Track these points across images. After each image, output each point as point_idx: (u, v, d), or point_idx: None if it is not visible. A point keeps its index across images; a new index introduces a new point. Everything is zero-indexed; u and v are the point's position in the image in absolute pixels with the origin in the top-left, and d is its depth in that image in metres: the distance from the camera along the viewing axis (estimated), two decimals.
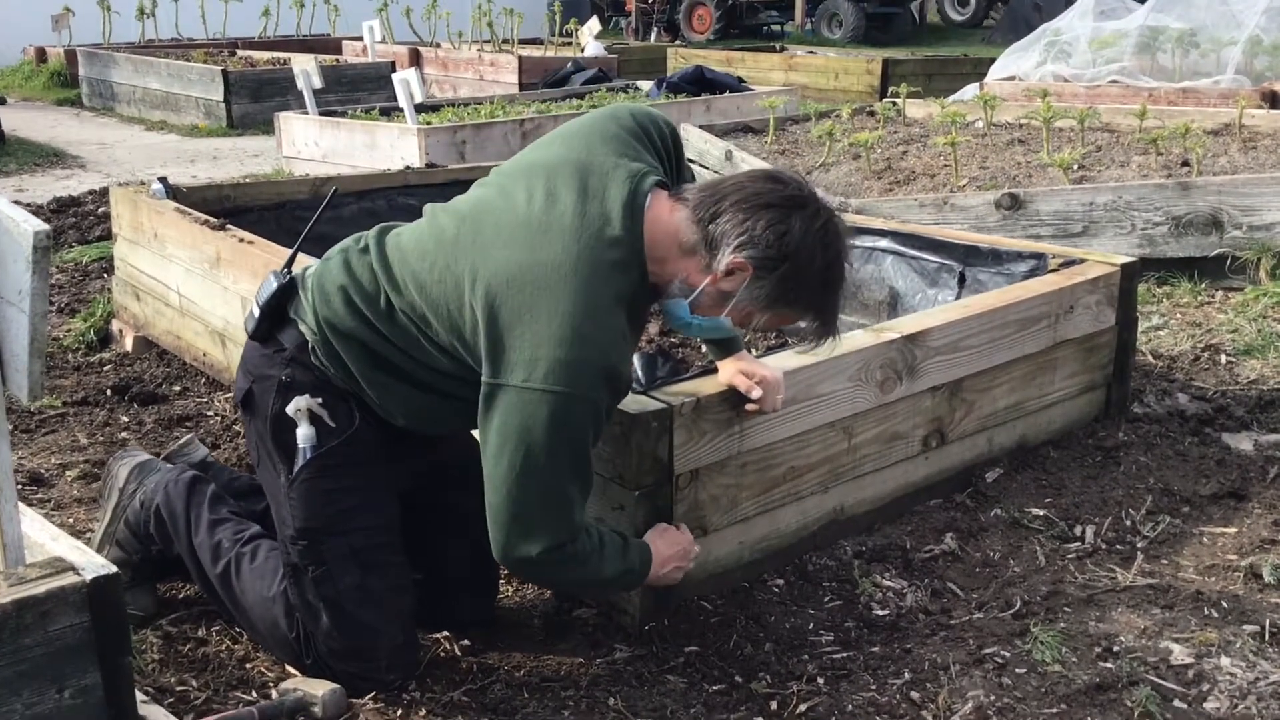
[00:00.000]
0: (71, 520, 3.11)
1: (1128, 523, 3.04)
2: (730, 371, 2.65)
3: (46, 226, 1.63)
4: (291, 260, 2.49)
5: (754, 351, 3.02)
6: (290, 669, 2.47)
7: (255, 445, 2.47)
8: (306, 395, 2.34)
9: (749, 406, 2.64)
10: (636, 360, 2.79)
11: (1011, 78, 9.17)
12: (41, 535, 1.94)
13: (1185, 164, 5.53)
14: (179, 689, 2.35)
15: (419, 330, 2.29)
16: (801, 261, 2.18)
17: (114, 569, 1.84)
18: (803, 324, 2.34)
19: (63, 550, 1.88)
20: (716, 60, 13.23)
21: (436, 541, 2.61)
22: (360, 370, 2.33)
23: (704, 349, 4.04)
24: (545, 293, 2.14)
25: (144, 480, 2.73)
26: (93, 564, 1.84)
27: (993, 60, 10.11)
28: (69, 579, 1.79)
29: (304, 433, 2.34)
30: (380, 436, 2.40)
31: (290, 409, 2.33)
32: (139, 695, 1.95)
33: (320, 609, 2.38)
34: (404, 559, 2.49)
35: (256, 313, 2.43)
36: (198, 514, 2.60)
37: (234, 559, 2.52)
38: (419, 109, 8.09)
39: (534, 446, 2.14)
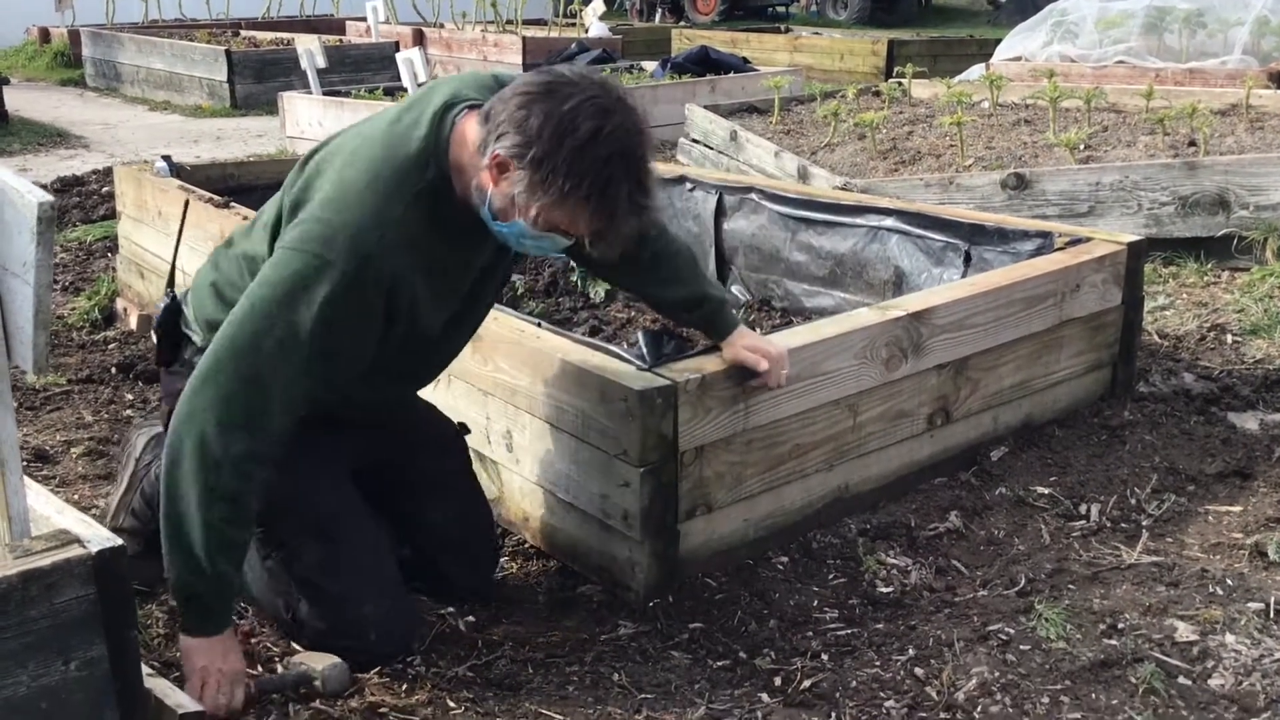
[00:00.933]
0: (77, 497, 3.12)
1: (1133, 501, 3.03)
2: (735, 348, 2.64)
3: (51, 198, 1.62)
4: (170, 280, 2.49)
5: (759, 331, 3.02)
6: (295, 644, 2.47)
7: None
8: None
9: (754, 382, 2.64)
10: (642, 337, 2.79)
11: (1018, 58, 9.13)
12: (47, 508, 1.94)
13: (1192, 144, 5.50)
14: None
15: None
16: (548, 144, 2.05)
17: (119, 542, 1.83)
18: (586, 223, 2.15)
19: (68, 523, 1.88)
20: (721, 41, 13.19)
21: (419, 511, 2.63)
22: None
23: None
24: (344, 165, 2.21)
25: (160, 451, 2.66)
26: (98, 537, 1.84)
27: (999, 41, 10.06)
28: (74, 551, 1.79)
29: None
30: (311, 419, 2.29)
31: None
32: (144, 669, 1.96)
33: (297, 591, 2.40)
34: (371, 527, 2.49)
35: (155, 343, 2.49)
36: None
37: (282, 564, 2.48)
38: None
39: (262, 300, 2.11)
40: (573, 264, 4.60)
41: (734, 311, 2.74)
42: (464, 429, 2.71)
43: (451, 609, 2.65)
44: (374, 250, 2.13)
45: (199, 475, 2.10)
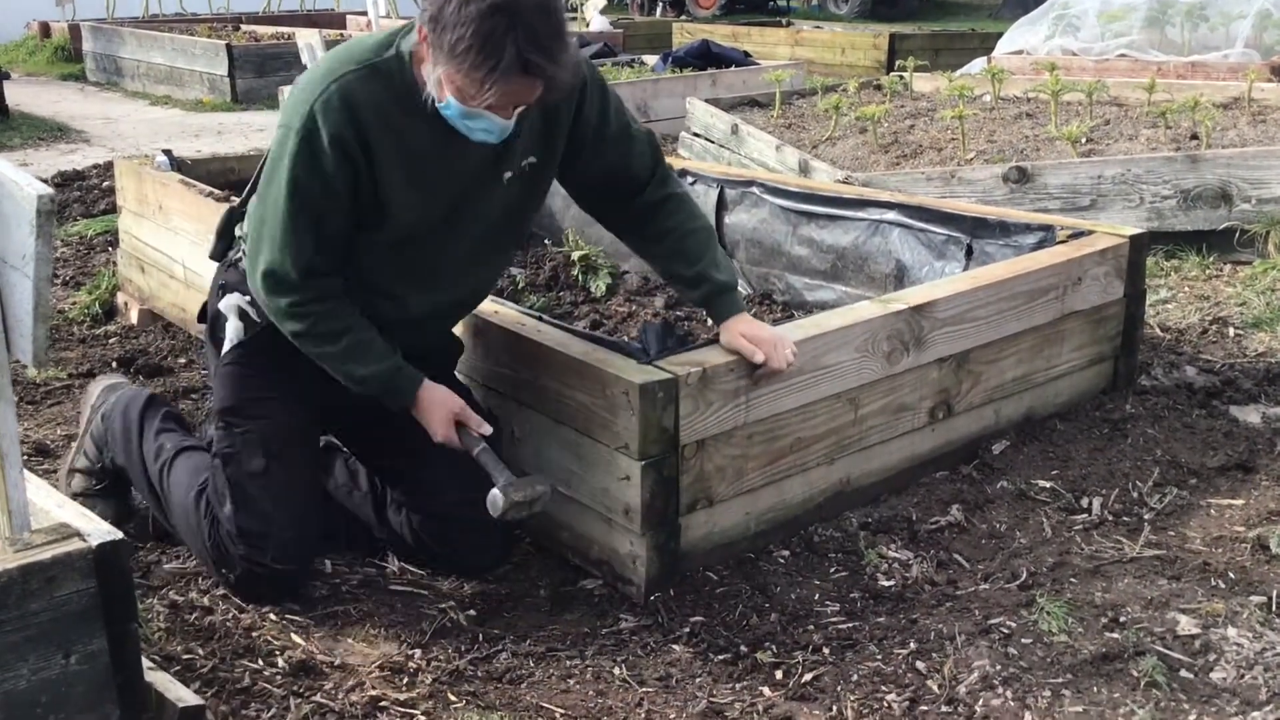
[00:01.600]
0: None
1: (1135, 494, 3.03)
2: (731, 334, 2.65)
3: (51, 190, 1.62)
4: (247, 194, 2.71)
5: (767, 320, 3.01)
6: (295, 638, 2.48)
7: (205, 344, 2.83)
8: (237, 294, 2.65)
9: (759, 372, 2.63)
10: (644, 330, 2.80)
11: (1019, 52, 9.10)
12: (47, 502, 1.94)
13: (1194, 137, 5.49)
14: (185, 657, 2.35)
15: None
16: (439, 3, 2.20)
17: (120, 535, 1.84)
18: (475, 81, 2.23)
19: (68, 517, 1.89)
20: (723, 35, 13.15)
21: (436, 483, 2.67)
22: None
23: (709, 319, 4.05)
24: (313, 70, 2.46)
25: (108, 397, 3.03)
26: (98, 531, 1.84)
27: (1000, 35, 10.04)
28: (75, 545, 1.79)
29: (233, 325, 2.65)
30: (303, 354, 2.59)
31: (223, 305, 2.67)
32: (145, 662, 1.95)
33: (226, 492, 2.58)
34: (313, 464, 2.71)
35: (213, 238, 2.80)
36: (149, 423, 2.87)
37: (170, 458, 2.77)
38: None
39: (274, 172, 2.43)
40: (574, 258, 4.60)
41: (739, 299, 2.74)
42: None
43: (453, 603, 2.65)
44: (319, 107, 2.34)
45: (285, 328, 2.52)
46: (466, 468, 2.57)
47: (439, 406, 2.56)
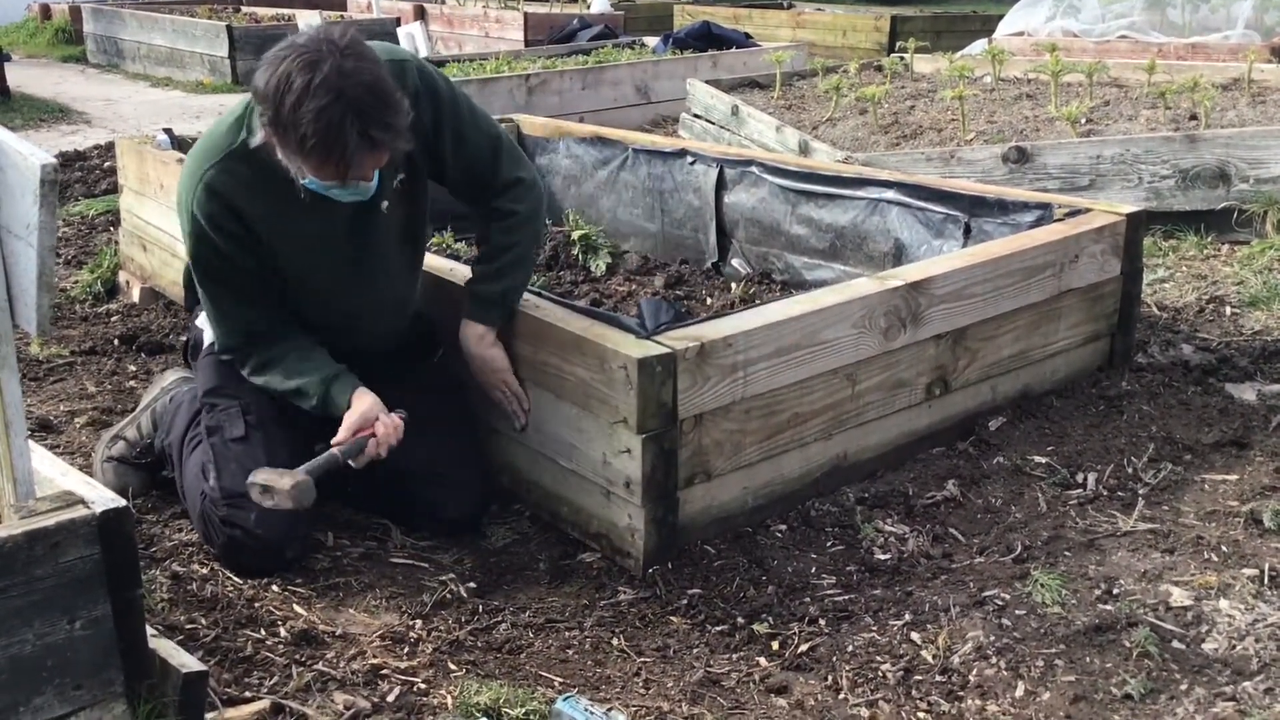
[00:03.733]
0: (81, 466, 3.14)
1: (1129, 470, 3.05)
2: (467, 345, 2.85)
3: (54, 160, 1.64)
4: None
5: (760, 301, 3.02)
6: (297, 608, 2.50)
7: (188, 364, 3.06)
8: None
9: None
10: (643, 306, 2.83)
11: (1020, 33, 9.09)
12: (51, 471, 1.97)
13: (1193, 118, 5.49)
14: (188, 627, 2.38)
15: None
16: (274, 107, 2.34)
17: (123, 503, 1.86)
18: (330, 168, 2.41)
19: (72, 485, 1.91)
20: (724, 17, 13.11)
21: (406, 444, 2.71)
22: None
23: (708, 297, 4.06)
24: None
25: (182, 386, 3.11)
26: (102, 498, 1.86)
27: (1001, 17, 10.02)
28: (79, 512, 1.81)
29: (209, 334, 2.84)
30: None
31: (198, 321, 2.88)
32: (149, 630, 1.98)
33: (211, 462, 2.69)
34: (293, 439, 2.75)
35: (184, 292, 3.13)
36: (201, 414, 2.89)
37: (195, 442, 2.83)
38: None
39: (192, 266, 2.73)
40: (574, 237, 4.61)
41: (487, 310, 2.85)
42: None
43: (453, 575, 2.68)
44: (196, 207, 2.59)
45: (253, 382, 2.76)
46: (432, 431, 2.78)
47: (355, 413, 2.65)
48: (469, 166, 2.83)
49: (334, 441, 2.60)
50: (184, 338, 3.06)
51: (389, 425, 2.63)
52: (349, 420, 2.62)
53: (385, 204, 2.71)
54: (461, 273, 3.01)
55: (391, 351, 2.93)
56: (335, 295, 2.78)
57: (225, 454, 2.69)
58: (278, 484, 2.46)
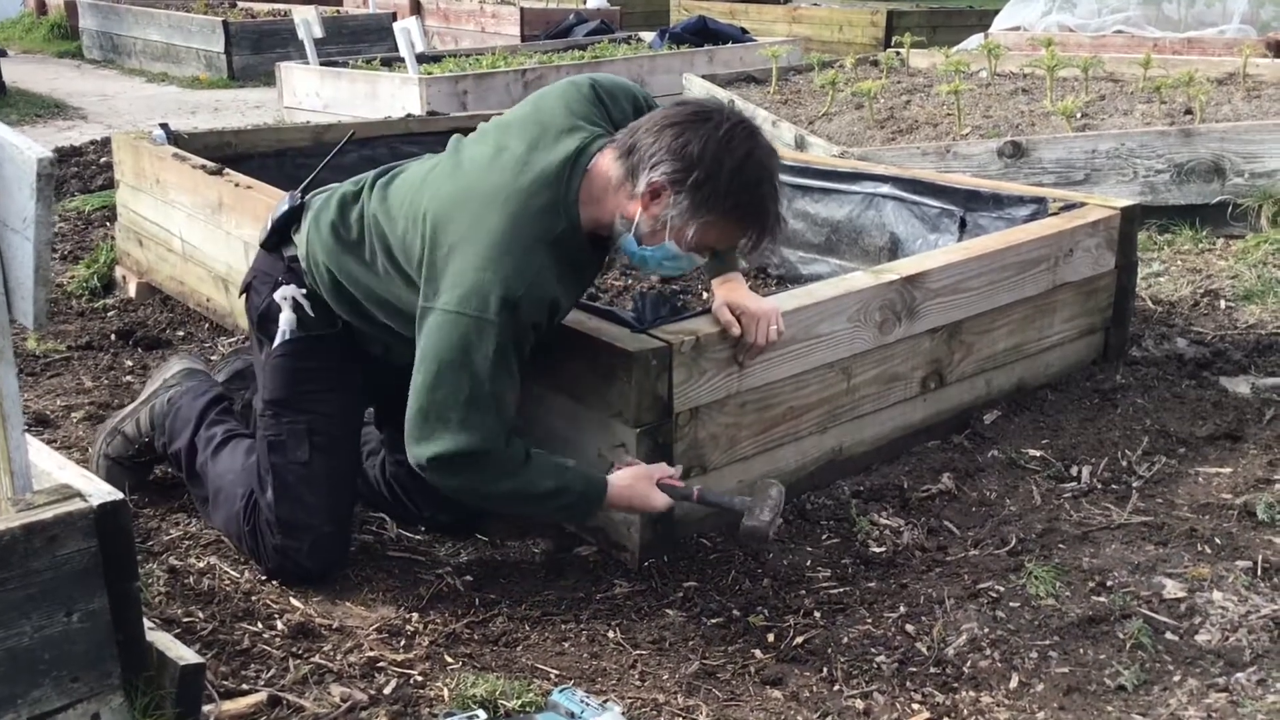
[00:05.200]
0: (78, 460, 3.14)
1: (1124, 463, 3.06)
2: (717, 303, 2.70)
3: (50, 154, 1.64)
4: (306, 187, 2.75)
5: (761, 293, 3.03)
6: (294, 601, 2.51)
7: (251, 327, 2.78)
8: (293, 286, 2.63)
9: (737, 349, 2.67)
10: (638, 300, 2.82)
11: (1016, 28, 9.11)
12: (49, 464, 1.97)
13: (1189, 112, 5.51)
14: (185, 620, 2.39)
15: (385, 262, 2.50)
16: (710, 167, 2.28)
17: (120, 496, 1.86)
18: (741, 235, 2.42)
19: (69, 478, 1.91)
20: (720, 12, 13.11)
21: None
22: (331, 297, 2.61)
23: (704, 291, 4.06)
24: (476, 223, 2.35)
25: (183, 382, 3.03)
26: (99, 491, 1.86)
27: (998, 12, 10.03)
28: (76, 505, 1.81)
29: (286, 317, 2.63)
30: (356, 349, 2.67)
31: (278, 295, 2.63)
32: (146, 623, 1.98)
33: (269, 478, 2.62)
34: (355, 459, 2.73)
35: (268, 226, 2.72)
36: (208, 415, 2.88)
37: (217, 444, 2.80)
38: (420, 60, 8.05)
39: (443, 363, 2.32)
40: None
41: (735, 258, 2.78)
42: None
43: (449, 568, 2.68)
44: (523, 301, 2.31)
45: (504, 491, 2.43)
46: None
47: (639, 484, 2.51)
48: None
49: (698, 492, 2.55)
50: (253, 301, 2.73)
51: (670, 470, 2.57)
52: (640, 494, 2.50)
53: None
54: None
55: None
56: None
57: (284, 477, 2.60)
58: (775, 499, 2.48)
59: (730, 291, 2.70)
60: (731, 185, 2.30)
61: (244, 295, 2.78)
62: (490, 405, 2.33)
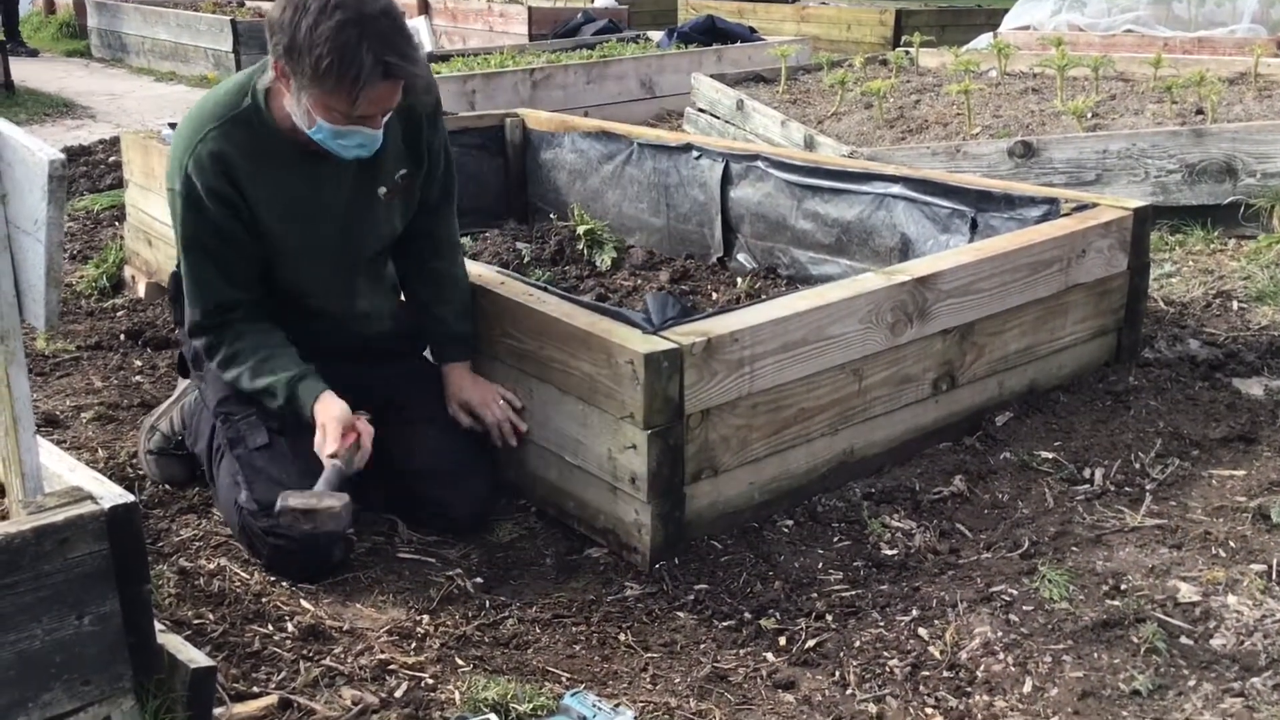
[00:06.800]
0: (88, 460, 3.14)
1: (1137, 465, 3.04)
2: (451, 406, 2.87)
3: (62, 156, 1.64)
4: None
5: (766, 296, 3.02)
6: (304, 603, 2.50)
7: (190, 377, 2.96)
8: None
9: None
10: (649, 301, 2.82)
11: (1026, 27, 9.07)
12: (59, 466, 1.97)
13: (1200, 112, 5.48)
14: (196, 622, 2.38)
15: None
16: (289, 33, 2.32)
17: (131, 498, 1.86)
18: (346, 98, 2.38)
19: (81, 480, 1.91)
20: (728, 11, 13.10)
21: (410, 445, 2.78)
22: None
23: (714, 291, 4.05)
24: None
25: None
26: (110, 494, 1.86)
27: (1007, 11, 10.01)
28: (87, 508, 1.81)
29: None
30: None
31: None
32: (157, 625, 1.98)
33: (239, 475, 2.62)
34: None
35: (171, 306, 3.07)
36: (218, 415, 2.84)
37: (219, 457, 2.78)
38: (428, 58, 8.05)
39: (175, 230, 2.67)
40: (579, 232, 4.60)
41: (465, 349, 2.91)
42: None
43: (460, 570, 2.68)
44: (191, 168, 2.54)
45: (209, 363, 2.75)
46: (439, 430, 2.81)
47: (331, 420, 2.60)
48: (437, 198, 2.86)
49: (327, 453, 2.57)
50: (179, 351, 2.97)
51: (367, 430, 2.62)
52: (330, 428, 2.58)
53: (383, 190, 2.71)
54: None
55: (380, 351, 2.92)
56: (322, 276, 2.76)
57: (252, 465, 2.65)
58: (319, 506, 2.45)
59: (455, 390, 2.83)
60: (311, 43, 2.29)
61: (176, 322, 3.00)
62: (202, 272, 2.63)
